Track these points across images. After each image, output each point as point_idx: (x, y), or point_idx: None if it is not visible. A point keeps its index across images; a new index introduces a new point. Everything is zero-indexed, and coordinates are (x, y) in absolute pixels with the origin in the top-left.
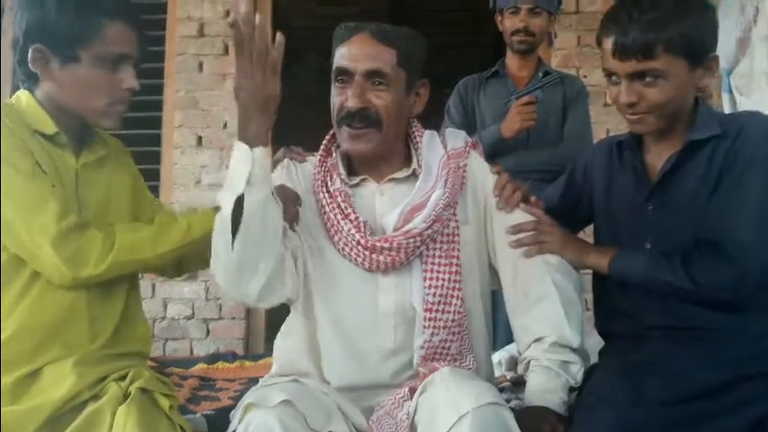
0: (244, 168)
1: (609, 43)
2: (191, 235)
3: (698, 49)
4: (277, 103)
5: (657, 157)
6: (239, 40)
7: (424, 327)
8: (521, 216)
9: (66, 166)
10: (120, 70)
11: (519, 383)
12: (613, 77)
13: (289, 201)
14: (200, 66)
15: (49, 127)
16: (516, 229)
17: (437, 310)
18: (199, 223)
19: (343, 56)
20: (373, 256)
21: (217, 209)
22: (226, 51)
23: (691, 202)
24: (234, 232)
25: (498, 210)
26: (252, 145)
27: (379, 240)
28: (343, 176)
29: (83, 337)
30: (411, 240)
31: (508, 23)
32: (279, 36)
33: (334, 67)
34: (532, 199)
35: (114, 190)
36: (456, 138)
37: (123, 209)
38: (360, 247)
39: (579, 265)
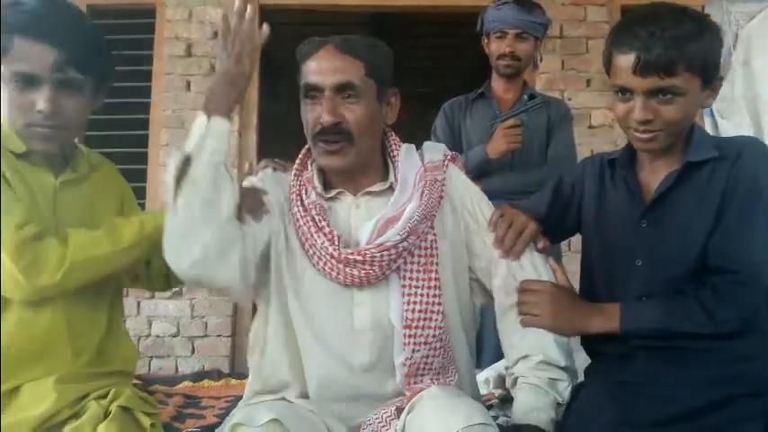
0: (197, 134)
1: (628, 59)
2: (144, 230)
3: (711, 69)
4: (248, 83)
5: (652, 176)
6: (226, 27)
7: (405, 344)
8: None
9: (43, 184)
10: (32, 90)
11: (507, 401)
12: (624, 94)
13: (252, 195)
14: (188, 85)
15: (18, 146)
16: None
17: (417, 327)
18: (150, 219)
19: (310, 71)
20: (347, 269)
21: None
22: (213, 72)
23: (687, 222)
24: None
25: (501, 258)
26: (210, 114)
27: (352, 253)
28: (318, 189)
29: (65, 357)
30: (385, 253)
31: (494, 47)
32: (265, 26)
33: (303, 82)
34: (540, 244)
35: (99, 208)
36: (434, 151)
37: None
38: (333, 261)
39: (581, 333)
